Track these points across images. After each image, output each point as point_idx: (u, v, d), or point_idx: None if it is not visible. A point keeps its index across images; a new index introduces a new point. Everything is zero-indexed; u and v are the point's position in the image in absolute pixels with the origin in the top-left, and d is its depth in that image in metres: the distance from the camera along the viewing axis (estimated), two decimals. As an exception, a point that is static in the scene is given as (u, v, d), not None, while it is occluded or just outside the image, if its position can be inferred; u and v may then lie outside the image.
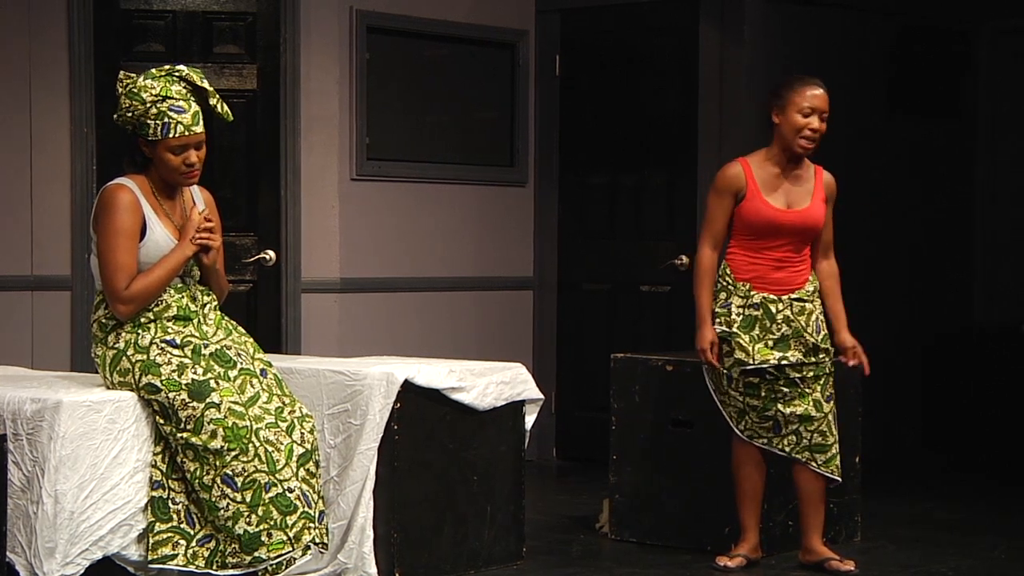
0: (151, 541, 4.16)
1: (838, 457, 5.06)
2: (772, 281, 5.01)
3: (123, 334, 4.28)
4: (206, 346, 4.28)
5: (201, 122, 4.31)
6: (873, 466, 5.92)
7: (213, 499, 4.13)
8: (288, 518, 4.16)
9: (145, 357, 4.23)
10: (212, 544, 4.19)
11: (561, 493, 6.66)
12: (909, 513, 6.13)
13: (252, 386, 4.27)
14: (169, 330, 4.28)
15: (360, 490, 4.73)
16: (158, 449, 4.22)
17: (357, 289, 6.83)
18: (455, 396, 4.90)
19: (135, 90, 4.29)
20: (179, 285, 4.36)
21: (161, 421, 4.21)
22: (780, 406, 4.99)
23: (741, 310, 4.99)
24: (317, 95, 6.70)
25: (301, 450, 4.23)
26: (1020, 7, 7.53)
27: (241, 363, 4.30)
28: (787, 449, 5.03)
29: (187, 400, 4.17)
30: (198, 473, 4.15)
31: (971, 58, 7.87)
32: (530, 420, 5.17)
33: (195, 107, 4.30)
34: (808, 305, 5.03)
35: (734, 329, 4.97)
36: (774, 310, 4.98)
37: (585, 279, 7.50)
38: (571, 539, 5.60)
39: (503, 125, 7.42)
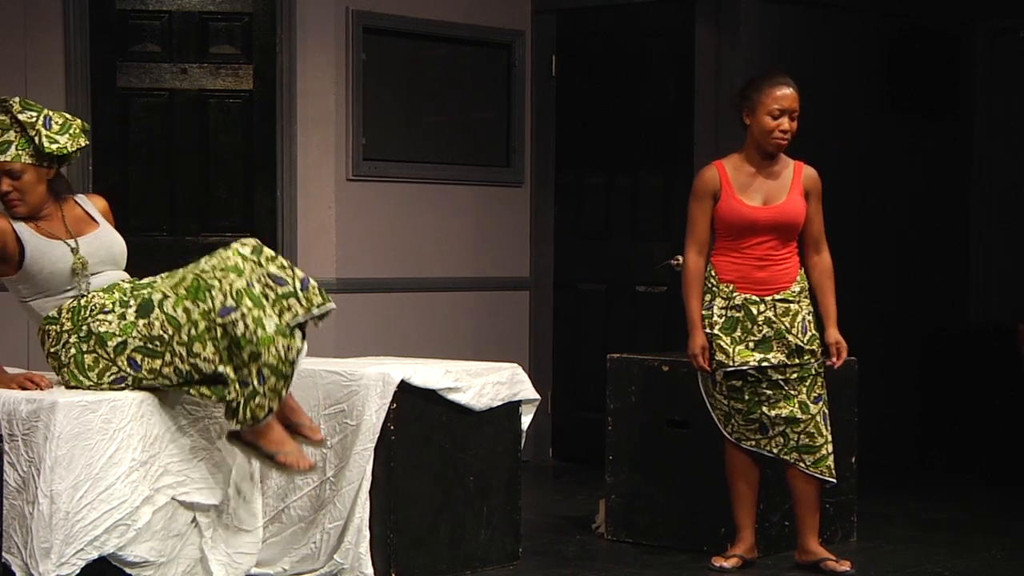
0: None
1: (830, 458, 5.05)
2: (755, 281, 5.02)
3: (67, 347, 4.32)
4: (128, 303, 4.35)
5: (12, 151, 4.37)
6: (869, 466, 5.93)
7: (234, 333, 4.14)
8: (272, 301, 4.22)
9: (94, 340, 4.28)
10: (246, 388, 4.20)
11: (557, 493, 6.66)
12: (905, 513, 6.13)
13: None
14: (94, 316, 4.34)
15: (356, 490, 4.73)
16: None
17: (353, 289, 6.84)
18: (451, 396, 4.90)
19: None
20: (71, 292, 4.39)
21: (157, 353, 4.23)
22: (764, 409, 5.00)
23: (723, 312, 5.00)
24: (313, 95, 6.70)
25: (246, 259, 4.25)
26: (1017, 7, 7.53)
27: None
28: (775, 451, 5.04)
29: (146, 321, 4.22)
30: (205, 335, 4.17)
31: (968, 58, 7.88)
32: (526, 420, 5.17)
33: (8, 136, 4.39)
34: (793, 306, 5.02)
35: (715, 331, 4.98)
36: (755, 312, 4.99)
37: (581, 279, 7.50)
38: (567, 539, 5.60)
39: (499, 125, 7.43)
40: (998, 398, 7.46)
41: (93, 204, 4.61)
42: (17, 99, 4.44)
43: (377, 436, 4.73)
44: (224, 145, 6.66)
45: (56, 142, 4.41)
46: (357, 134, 6.83)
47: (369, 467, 4.73)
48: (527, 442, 5.34)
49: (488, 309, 7.35)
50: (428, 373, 4.85)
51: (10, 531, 4.03)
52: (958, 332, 7.76)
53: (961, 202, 7.91)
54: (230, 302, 4.14)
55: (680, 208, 7.05)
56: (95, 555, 4.09)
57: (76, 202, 4.56)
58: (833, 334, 5.03)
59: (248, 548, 4.47)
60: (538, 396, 5.19)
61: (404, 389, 4.77)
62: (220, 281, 4.18)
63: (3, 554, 4.01)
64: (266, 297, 4.21)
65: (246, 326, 4.13)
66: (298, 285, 4.27)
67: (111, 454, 4.13)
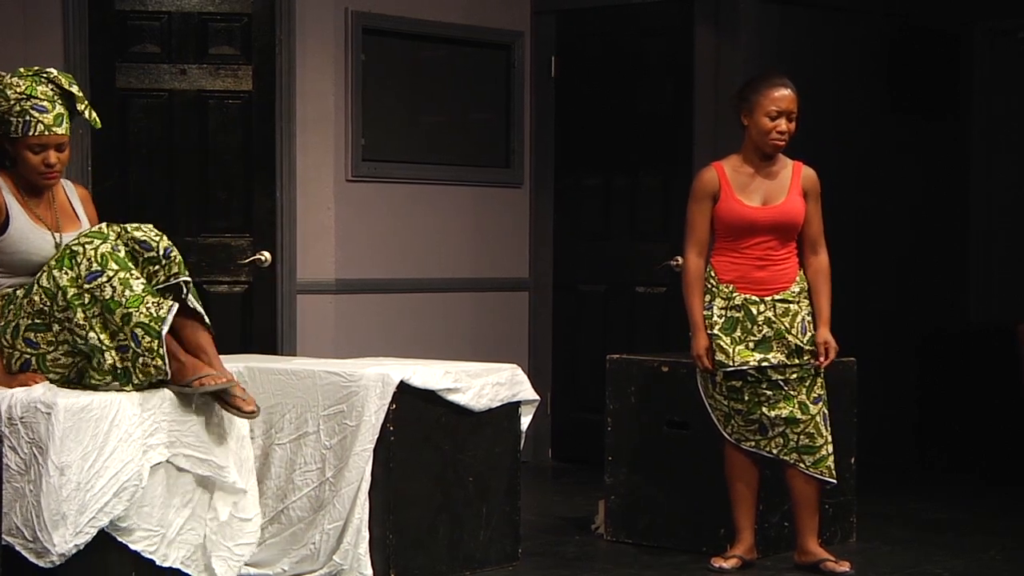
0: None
1: (830, 459, 5.05)
2: (755, 281, 5.02)
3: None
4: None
5: (64, 124, 4.35)
6: (868, 467, 5.93)
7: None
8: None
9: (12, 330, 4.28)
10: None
11: (556, 494, 6.66)
12: (904, 514, 6.13)
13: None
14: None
15: (356, 491, 4.73)
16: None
17: (352, 290, 6.84)
18: (451, 397, 4.89)
19: (1, 88, 4.35)
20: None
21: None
22: (764, 409, 5.00)
23: (723, 312, 5.01)
24: (312, 96, 6.70)
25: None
26: (1016, 8, 7.54)
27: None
28: (775, 451, 5.04)
29: (28, 298, 4.22)
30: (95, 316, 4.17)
31: (967, 59, 7.88)
32: (526, 421, 5.17)
33: (59, 109, 4.34)
34: (793, 306, 5.02)
35: (715, 331, 4.98)
36: (755, 312, 4.99)
37: (580, 280, 7.50)
38: (567, 540, 5.60)
39: (499, 126, 7.43)
40: (997, 398, 7.46)
41: (77, 195, 4.56)
42: (54, 70, 4.39)
43: (376, 437, 4.73)
44: (223, 146, 6.65)
45: (97, 119, 4.42)
46: (356, 135, 6.83)
47: (368, 468, 4.73)
48: (526, 443, 5.34)
49: (487, 310, 7.35)
50: (427, 374, 4.84)
51: (11, 514, 4.04)
52: (957, 332, 7.76)
53: (960, 202, 7.91)
54: (95, 267, 4.15)
55: (679, 209, 7.06)
56: (106, 520, 4.09)
57: (63, 188, 4.52)
58: (823, 334, 5.02)
59: (248, 538, 4.47)
60: (537, 397, 5.19)
61: (403, 390, 4.77)
62: (84, 247, 4.19)
63: (3, 537, 4.02)
64: (133, 260, 4.22)
65: (113, 288, 4.14)
66: (161, 252, 4.26)
67: (112, 417, 4.13)
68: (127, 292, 4.14)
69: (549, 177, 7.53)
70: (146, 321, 4.14)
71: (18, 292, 4.30)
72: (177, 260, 4.29)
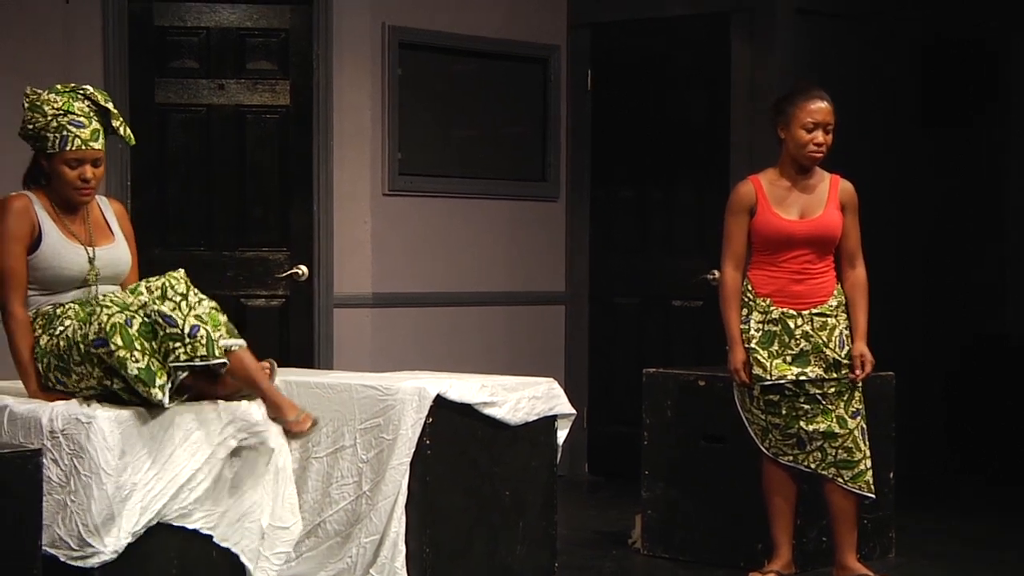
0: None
1: (869, 473, 5.03)
2: (792, 295, 5.00)
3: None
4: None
5: (101, 140, 4.36)
6: (906, 482, 5.90)
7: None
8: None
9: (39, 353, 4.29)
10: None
11: (593, 508, 6.65)
12: (943, 529, 6.10)
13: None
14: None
15: (392, 505, 4.73)
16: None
17: (389, 304, 6.85)
18: (487, 411, 4.89)
19: (39, 103, 4.36)
20: (68, 296, 4.36)
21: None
22: (802, 423, 4.98)
23: (760, 326, 4.99)
24: (349, 111, 6.72)
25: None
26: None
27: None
28: (813, 466, 5.01)
29: (50, 338, 4.25)
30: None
31: (1002, 70, 7.83)
32: (562, 435, 5.16)
33: (96, 125, 4.37)
34: (831, 320, 5.00)
35: (752, 345, 4.97)
36: (792, 325, 4.97)
37: (616, 293, 7.50)
38: (603, 555, 5.59)
39: (535, 140, 7.44)
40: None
41: (112, 209, 4.57)
42: (90, 87, 4.42)
43: (413, 450, 4.73)
44: (261, 160, 6.69)
45: (131, 135, 4.45)
46: (393, 149, 6.85)
47: (405, 481, 4.73)
48: (562, 457, 5.34)
49: (523, 323, 7.35)
50: (464, 387, 4.85)
51: (53, 526, 4.06)
52: (993, 344, 7.71)
53: (996, 213, 7.86)
54: (103, 335, 4.11)
55: (714, 222, 7.04)
56: (156, 521, 4.14)
57: (98, 204, 4.53)
58: (859, 347, 5.00)
59: (284, 546, 4.50)
60: (574, 411, 5.18)
61: (440, 404, 4.77)
62: (101, 310, 4.17)
63: (45, 548, 4.04)
64: (154, 333, 4.12)
65: (114, 360, 4.11)
66: (186, 330, 4.12)
67: (169, 424, 4.17)
68: (123, 371, 4.11)
69: (585, 190, 7.53)
70: (143, 396, 4.16)
71: (57, 311, 4.33)
72: (204, 340, 4.13)
